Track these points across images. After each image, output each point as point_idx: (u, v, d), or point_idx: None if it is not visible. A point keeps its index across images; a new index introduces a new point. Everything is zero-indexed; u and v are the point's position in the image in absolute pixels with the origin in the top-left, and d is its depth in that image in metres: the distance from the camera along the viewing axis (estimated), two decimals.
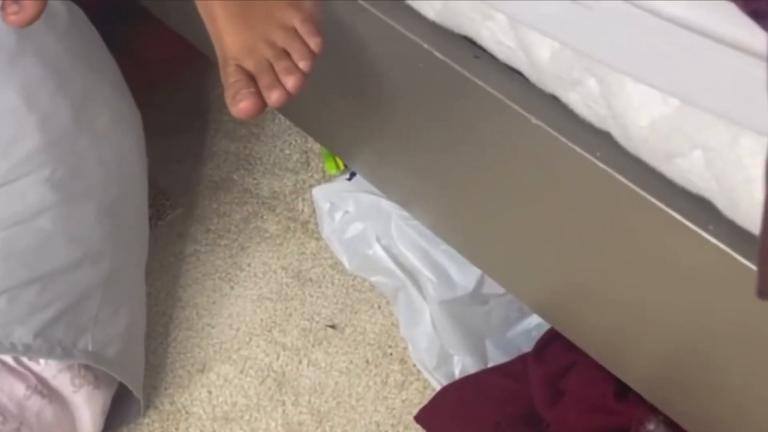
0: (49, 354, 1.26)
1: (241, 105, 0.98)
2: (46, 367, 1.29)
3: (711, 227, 0.88)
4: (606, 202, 0.97)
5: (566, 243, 1.09)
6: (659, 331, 1.06)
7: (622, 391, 1.33)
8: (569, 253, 1.11)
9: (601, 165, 0.93)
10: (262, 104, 0.98)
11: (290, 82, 0.98)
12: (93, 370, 1.33)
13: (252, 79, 0.99)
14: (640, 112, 0.84)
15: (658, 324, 1.05)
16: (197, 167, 1.74)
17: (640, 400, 1.30)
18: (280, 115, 1.78)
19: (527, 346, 1.46)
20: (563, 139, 0.96)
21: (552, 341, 1.43)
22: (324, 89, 1.29)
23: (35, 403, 1.27)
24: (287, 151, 1.76)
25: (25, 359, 1.28)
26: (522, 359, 1.45)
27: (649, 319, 1.06)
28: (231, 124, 1.79)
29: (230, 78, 1.00)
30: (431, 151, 1.23)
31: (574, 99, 0.93)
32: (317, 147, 1.75)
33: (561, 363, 1.41)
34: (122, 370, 1.34)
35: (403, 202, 1.43)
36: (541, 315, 1.31)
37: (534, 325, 1.48)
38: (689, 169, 0.84)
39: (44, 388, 1.29)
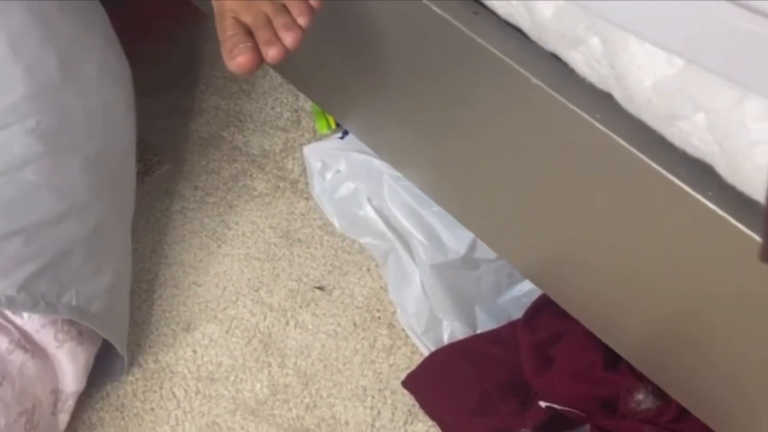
0: (33, 308, 1.25)
1: (238, 59, 0.97)
2: (29, 321, 1.29)
3: (710, 193, 0.88)
4: (604, 165, 0.97)
5: (562, 207, 1.09)
6: (653, 298, 1.06)
7: (612, 360, 1.33)
8: (565, 217, 1.11)
9: (600, 127, 0.93)
10: (260, 59, 0.98)
11: (289, 38, 0.98)
12: (77, 326, 1.33)
13: (249, 33, 0.98)
14: (643, 72, 0.84)
15: (652, 291, 1.05)
16: (186, 123, 1.74)
17: (630, 369, 1.31)
18: (272, 72, 1.77)
19: (517, 313, 1.46)
20: (563, 100, 0.95)
21: (542, 309, 1.43)
22: (319, 46, 1.29)
23: (17, 357, 1.27)
24: (278, 109, 1.75)
25: (7, 313, 1.28)
26: (511, 326, 1.46)
27: (643, 286, 1.06)
28: (221, 81, 1.78)
29: (227, 31, 0.99)
30: (427, 110, 1.22)
31: (575, 58, 0.92)
32: (308, 105, 1.75)
33: (551, 331, 1.41)
34: (106, 326, 1.34)
35: (396, 163, 1.42)
36: (533, 281, 1.32)
37: (524, 291, 1.48)
38: (691, 132, 0.83)
39: (27, 343, 1.28)
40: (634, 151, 0.91)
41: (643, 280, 1.05)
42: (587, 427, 1.37)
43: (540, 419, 1.36)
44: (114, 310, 1.36)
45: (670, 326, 1.07)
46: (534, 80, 0.97)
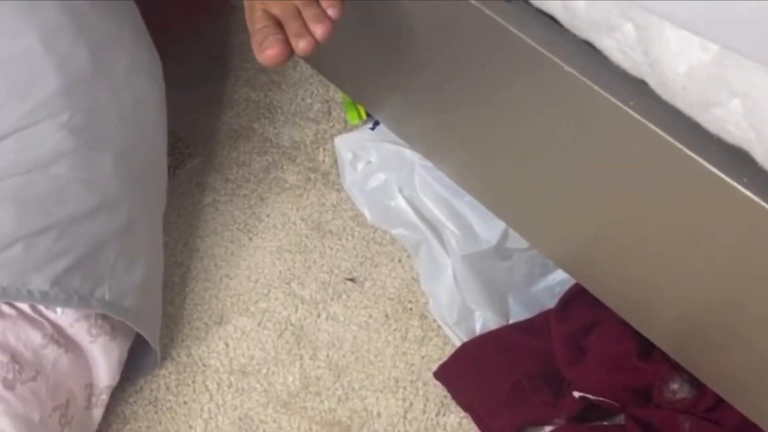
0: (66, 302, 1.25)
1: (268, 52, 0.96)
2: (63, 316, 1.29)
3: (745, 180, 0.87)
4: (638, 152, 0.96)
5: (595, 195, 1.08)
6: (688, 285, 1.05)
7: (646, 349, 1.32)
8: (598, 205, 1.10)
9: (634, 114, 0.92)
10: (290, 52, 0.97)
11: (319, 30, 0.97)
12: (110, 320, 1.33)
13: (279, 25, 0.97)
14: (677, 58, 0.82)
15: (687, 278, 1.04)
16: (217, 116, 1.73)
17: (664, 358, 1.30)
18: (302, 63, 1.76)
19: (550, 303, 1.45)
20: (596, 88, 0.94)
21: (575, 298, 1.42)
22: (350, 36, 1.27)
23: (51, 351, 1.27)
24: (308, 101, 1.74)
25: (41, 307, 1.28)
26: (544, 316, 1.45)
27: (678, 273, 1.05)
28: (252, 72, 1.78)
29: (257, 24, 0.98)
30: (458, 99, 1.21)
31: (609, 45, 0.91)
32: (339, 96, 1.73)
33: (584, 320, 1.40)
34: (139, 320, 1.33)
35: (428, 153, 1.41)
36: (566, 270, 1.30)
37: (557, 281, 1.47)
38: (726, 119, 0.82)
39: (61, 337, 1.28)
40: (669, 138, 0.90)
41: (678, 267, 1.04)
42: (622, 417, 1.36)
43: (574, 410, 1.35)
44: (147, 304, 1.36)
45: (706, 314, 1.06)
46: (566, 68, 0.96)
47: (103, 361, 1.33)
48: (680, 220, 0.98)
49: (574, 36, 0.96)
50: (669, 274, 1.06)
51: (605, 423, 1.37)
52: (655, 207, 1.00)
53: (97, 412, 1.34)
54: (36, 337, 1.27)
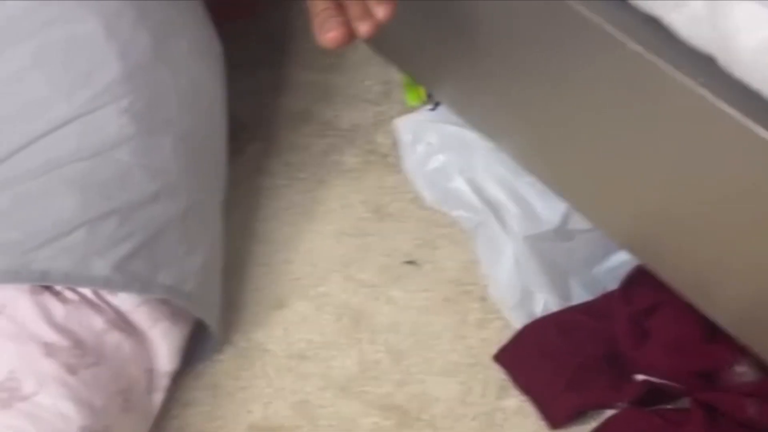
0: (128, 287, 1.25)
1: (329, 35, 0.96)
2: (124, 302, 1.29)
3: None
4: (707, 129, 0.94)
5: (661, 173, 1.06)
6: (755, 266, 1.03)
7: (711, 331, 1.29)
8: (663, 185, 1.07)
9: (703, 91, 0.89)
10: (351, 34, 0.97)
11: (380, 12, 0.96)
12: (170, 306, 1.32)
13: (340, 7, 0.97)
14: (748, 33, 0.80)
15: (754, 258, 1.02)
16: (276, 99, 1.72)
17: (730, 341, 1.26)
18: (362, 45, 1.74)
19: (612, 285, 1.43)
20: (664, 65, 0.92)
21: (638, 279, 1.40)
22: (411, 16, 1.26)
23: (113, 337, 1.27)
24: (368, 82, 1.72)
25: (103, 293, 1.28)
26: (606, 298, 1.43)
27: (744, 253, 1.03)
28: (311, 55, 1.76)
29: (318, 6, 0.98)
30: (521, 78, 1.19)
31: (676, 21, 0.88)
32: (398, 78, 1.72)
33: (647, 302, 1.38)
34: (199, 305, 1.33)
35: (489, 133, 1.40)
36: (629, 250, 1.28)
37: (620, 262, 1.44)
38: None
39: (122, 323, 1.28)
40: (738, 114, 0.88)
41: (747, 247, 1.02)
42: (686, 400, 1.33)
43: (637, 393, 1.33)
44: (207, 289, 1.36)
45: None
46: (632, 45, 0.94)
47: (164, 346, 1.32)
48: (750, 198, 0.96)
49: (640, 13, 0.94)
50: (737, 253, 1.04)
51: (669, 406, 1.34)
52: (723, 185, 0.98)
53: (158, 397, 1.33)
54: (98, 323, 1.27)
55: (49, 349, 1.21)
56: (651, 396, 1.32)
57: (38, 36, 1.24)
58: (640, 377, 1.32)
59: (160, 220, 1.29)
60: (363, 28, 0.96)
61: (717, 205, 1.02)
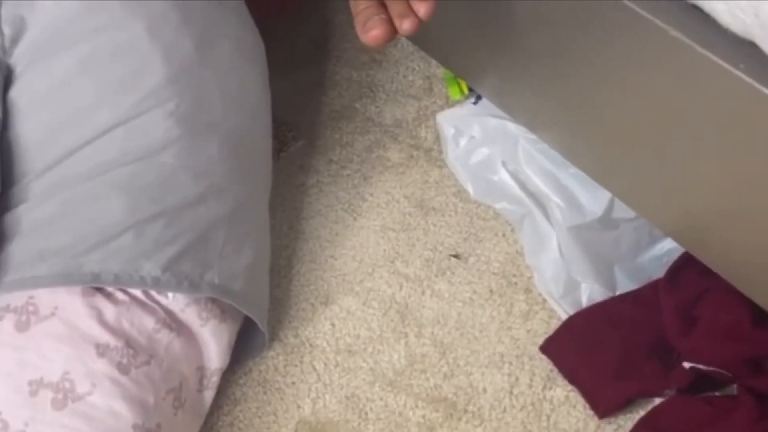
0: (177, 287, 1.26)
1: (372, 33, 0.96)
2: (174, 301, 1.30)
3: None
4: (749, 115, 0.93)
5: (705, 159, 1.05)
6: None
7: (760, 318, 1.28)
8: (708, 170, 1.06)
9: (744, 77, 0.89)
10: (393, 32, 0.97)
11: (422, 8, 0.96)
12: (219, 304, 1.33)
13: (382, 5, 0.97)
14: None
15: None
16: (319, 97, 1.72)
17: None
18: (403, 40, 1.74)
19: (658, 273, 1.42)
20: (704, 51, 0.91)
21: (684, 267, 1.39)
22: (452, 11, 1.26)
23: (164, 336, 1.28)
24: (410, 78, 1.72)
25: (153, 293, 1.29)
26: (652, 286, 1.42)
27: None
28: (352, 52, 1.76)
29: (360, 5, 0.98)
30: (563, 69, 1.18)
31: (717, 7, 0.88)
32: (440, 72, 1.71)
33: (694, 289, 1.37)
34: (248, 303, 1.34)
35: (531, 125, 1.39)
36: (675, 238, 1.27)
37: (665, 250, 1.43)
38: None
39: (173, 322, 1.29)
40: None
41: None
42: (734, 387, 1.33)
43: (684, 381, 1.32)
44: (255, 287, 1.36)
45: None
46: (673, 32, 0.93)
47: (214, 344, 1.33)
48: None
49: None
50: None
51: (717, 393, 1.33)
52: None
53: (209, 395, 1.34)
54: (149, 322, 1.28)
55: (102, 350, 1.23)
56: (699, 383, 1.31)
57: (85, 42, 1.25)
58: (687, 365, 1.31)
59: (206, 220, 1.29)
60: (405, 25, 0.96)
61: (761, 188, 1.01)
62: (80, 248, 1.22)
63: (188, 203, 1.28)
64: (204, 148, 1.31)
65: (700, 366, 1.31)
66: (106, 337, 1.24)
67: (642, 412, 1.32)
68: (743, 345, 1.31)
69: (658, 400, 1.33)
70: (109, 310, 1.26)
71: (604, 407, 1.33)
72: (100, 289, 1.26)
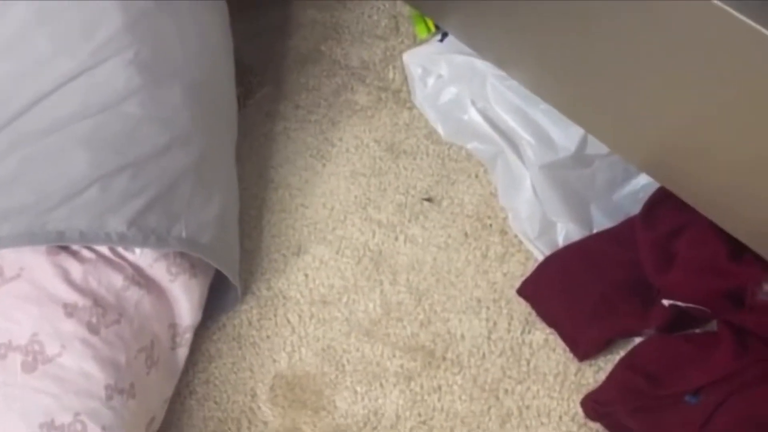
0: (144, 243, 1.24)
1: None
2: (142, 257, 1.29)
3: None
4: (721, 45, 0.92)
5: (679, 92, 1.03)
6: None
7: (737, 251, 1.28)
8: (682, 103, 1.05)
9: (720, 4, 0.88)
10: None
11: None
12: (189, 258, 1.32)
13: None
14: None
15: None
16: (283, 41, 1.69)
17: (756, 259, 1.25)
18: None
19: (634, 209, 1.41)
20: None
21: (660, 202, 1.38)
22: None
23: (133, 293, 1.27)
24: (375, 17, 1.69)
25: (120, 249, 1.28)
26: (629, 223, 1.41)
27: None
28: None
29: None
30: (529, 2, 1.15)
31: None
32: (406, 10, 1.68)
33: (670, 225, 1.36)
34: (218, 256, 1.32)
35: (500, 61, 1.37)
36: (650, 173, 1.26)
37: (641, 186, 1.42)
38: None
39: (141, 278, 1.28)
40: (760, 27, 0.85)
41: None
42: (714, 323, 1.32)
43: (664, 319, 1.32)
44: (224, 239, 1.35)
45: None
46: None
47: (185, 300, 1.32)
48: None
49: None
50: (764, 170, 1.01)
51: (697, 331, 1.33)
52: (747, 102, 0.95)
53: (182, 352, 1.33)
54: (117, 280, 1.26)
55: (70, 310, 1.22)
56: (678, 321, 1.31)
57: None
58: (666, 302, 1.31)
59: (173, 171, 1.28)
60: None
61: (741, 122, 0.99)
62: (44, 206, 1.21)
63: (153, 154, 1.26)
64: (167, 97, 1.29)
65: (679, 303, 1.31)
66: (73, 297, 1.23)
67: (622, 353, 1.32)
68: (721, 279, 1.30)
69: (638, 340, 1.32)
70: (75, 269, 1.24)
71: (583, 349, 1.33)
72: (65, 248, 1.26)
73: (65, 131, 1.24)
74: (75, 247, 1.25)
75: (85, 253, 1.26)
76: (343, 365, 1.36)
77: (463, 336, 1.37)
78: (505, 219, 1.46)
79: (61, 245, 1.24)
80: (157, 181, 1.26)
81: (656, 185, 1.37)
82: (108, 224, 1.21)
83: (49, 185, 1.22)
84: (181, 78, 1.30)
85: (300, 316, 1.41)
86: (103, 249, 1.27)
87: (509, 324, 1.37)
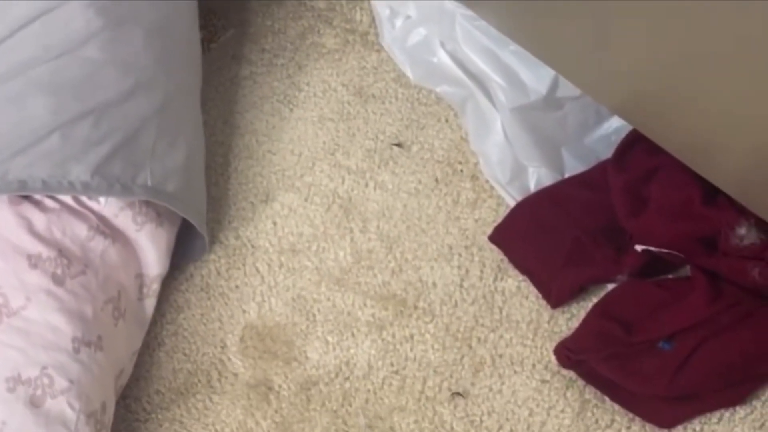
0: (108, 191, 1.23)
1: None
2: (107, 206, 1.27)
3: None
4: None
5: (651, 30, 1.02)
6: (754, 124, 0.99)
7: (710, 194, 1.29)
8: (654, 41, 1.03)
9: None
10: None
11: None
12: (154, 207, 1.31)
13: None
14: None
15: (754, 116, 0.98)
16: None
17: (730, 203, 1.26)
18: None
19: (606, 153, 1.41)
20: None
21: (633, 145, 1.38)
22: None
23: (98, 243, 1.25)
24: None
25: (84, 199, 1.26)
26: (601, 167, 1.41)
27: (743, 111, 0.99)
28: None
29: None
30: None
31: None
32: None
33: (643, 168, 1.36)
34: (184, 204, 1.31)
35: (468, 1, 1.35)
36: (622, 116, 1.26)
37: (613, 128, 1.42)
38: None
39: (106, 228, 1.27)
40: None
41: (746, 105, 0.98)
42: (687, 268, 1.32)
43: (637, 264, 1.32)
44: (190, 187, 1.34)
45: None
46: None
47: (151, 250, 1.31)
48: (749, 55, 0.92)
49: None
50: (736, 112, 1.01)
51: (670, 276, 1.34)
52: (722, 40, 0.94)
53: (150, 303, 1.33)
54: (81, 230, 1.25)
55: (34, 261, 1.21)
56: (651, 266, 1.32)
57: None
58: (639, 247, 1.31)
59: (136, 117, 1.26)
60: None
61: (717, 64, 0.98)
62: (4, 155, 1.19)
63: (116, 100, 1.25)
64: (128, 40, 1.28)
65: (652, 248, 1.30)
66: (38, 248, 1.21)
67: (595, 300, 1.33)
68: (694, 223, 1.30)
69: (611, 287, 1.32)
70: (38, 219, 1.23)
71: (556, 296, 1.33)
72: (28, 197, 1.25)
73: (23, 77, 1.23)
74: (37, 196, 1.24)
75: (48, 202, 1.24)
76: (314, 315, 1.36)
77: (434, 284, 1.37)
78: (476, 164, 1.46)
79: (23, 195, 1.23)
80: (121, 128, 1.25)
81: (628, 128, 1.37)
82: (71, 173, 1.20)
83: (9, 133, 1.21)
84: (142, 21, 1.29)
85: (269, 266, 1.40)
86: (67, 198, 1.25)
87: (481, 271, 1.37)
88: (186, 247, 1.39)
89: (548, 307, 1.34)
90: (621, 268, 1.32)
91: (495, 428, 1.27)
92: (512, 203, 1.41)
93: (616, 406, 1.26)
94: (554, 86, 1.38)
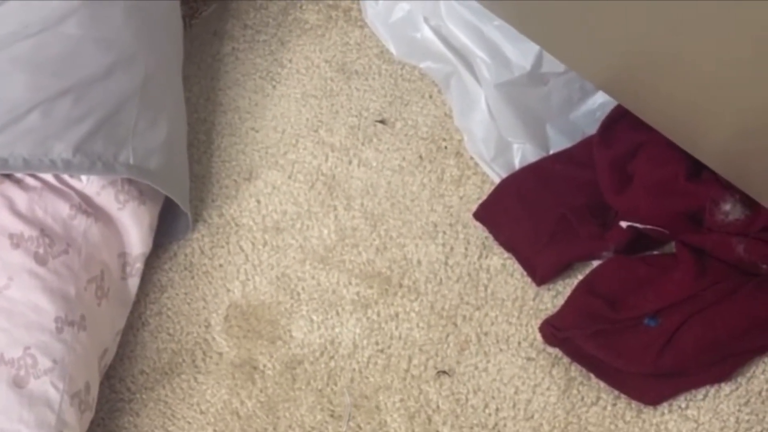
0: (90, 169, 1.24)
1: None
2: (89, 184, 1.28)
3: None
4: None
5: (642, 7, 1.01)
6: (739, 99, 1.00)
7: (695, 170, 1.30)
8: (638, 16, 1.03)
9: None
10: None
11: None
12: (137, 185, 1.32)
13: None
14: None
15: (738, 91, 0.98)
16: None
17: (714, 178, 1.28)
18: None
19: (591, 129, 1.41)
20: None
21: (618, 121, 1.39)
22: None
23: (81, 222, 1.26)
24: None
25: (65, 177, 1.27)
26: (586, 143, 1.42)
27: (728, 87, 0.99)
28: None
29: None
30: None
31: None
32: None
33: (628, 144, 1.37)
34: (166, 182, 1.32)
35: None
36: (607, 91, 1.26)
37: (598, 104, 1.43)
38: None
39: (89, 207, 1.27)
40: None
41: (731, 81, 0.99)
42: (672, 245, 1.32)
43: (622, 240, 1.33)
44: (173, 165, 1.34)
45: (761, 124, 1.00)
46: None
47: (134, 228, 1.32)
48: (734, 29, 0.92)
49: None
50: (720, 87, 1.01)
51: (655, 252, 1.35)
52: (707, 16, 0.94)
53: (133, 282, 1.34)
54: (64, 209, 1.26)
55: (16, 240, 1.21)
56: (637, 243, 1.33)
57: None
58: (624, 224, 1.32)
59: (117, 94, 1.27)
60: None
61: (702, 38, 0.98)
62: None
63: (96, 77, 1.26)
64: (108, 16, 1.28)
65: (637, 224, 1.31)
66: (19, 227, 1.22)
67: (580, 277, 1.34)
68: (679, 199, 1.32)
69: (596, 264, 1.33)
70: (20, 198, 1.24)
71: (541, 274, 1.34)
72: (9, 176, 1.25)
73: (2, 53, 1.24)
74: (19, 175, 1.25)
75: (30, 181, 1.25)
76: (299, 293, 1.37)
77: (419, 262, 1.38)
78: (460, 141, 1.47)
79: (4, 173, 1.23)
80: (102, 105, 1.25)
81: (613, 104, 1.38)
82: (52, 150, 1.21)
83: None
84: None
85: (253, 244, 1.41)
86: (48, 177, 1.26)
87: (466, 249, 1.38)
88: (169, 225, 1.40)
89: (533, 284, 1.35)
90: (606, 244, 1.33)
91: (481, 406, 1.29)
92: (497, 180, 1.42)
93: (602, 384, 1.28)
94: (539, 62, 1.39)
